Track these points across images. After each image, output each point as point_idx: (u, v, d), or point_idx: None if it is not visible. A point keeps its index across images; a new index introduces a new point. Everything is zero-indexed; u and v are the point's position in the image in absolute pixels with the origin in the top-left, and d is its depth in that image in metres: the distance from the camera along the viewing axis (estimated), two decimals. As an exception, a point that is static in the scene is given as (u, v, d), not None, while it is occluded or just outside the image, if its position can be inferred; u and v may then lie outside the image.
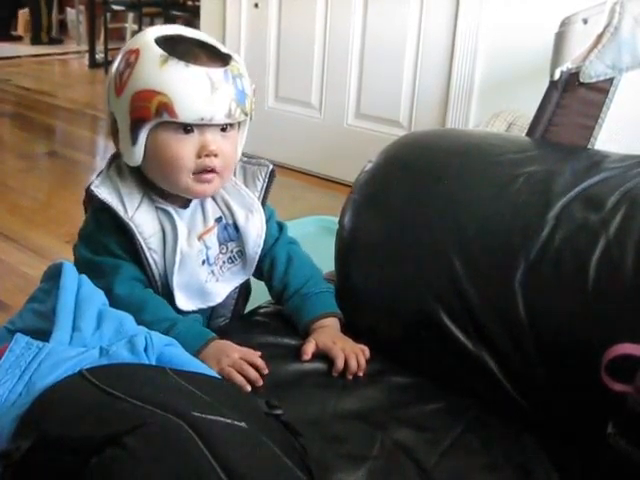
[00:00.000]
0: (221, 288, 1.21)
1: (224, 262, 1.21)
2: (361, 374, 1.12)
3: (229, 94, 1.08)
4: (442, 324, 1.13)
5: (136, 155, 1.11)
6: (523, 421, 1.06)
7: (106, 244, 1.14)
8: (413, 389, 1.12)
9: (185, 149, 1.09)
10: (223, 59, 1.10)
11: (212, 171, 1.12)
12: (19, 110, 4.93)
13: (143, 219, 1.14)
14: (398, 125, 3.20)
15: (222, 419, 0.71)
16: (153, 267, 1.15)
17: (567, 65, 1.36)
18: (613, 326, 1.02)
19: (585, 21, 1.34)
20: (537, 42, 2.43)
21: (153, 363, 0.91)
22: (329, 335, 1.16)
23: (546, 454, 1.00)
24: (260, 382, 1.05)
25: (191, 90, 1.05)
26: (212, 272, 1.19)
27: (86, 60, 6.43)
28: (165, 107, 1.05)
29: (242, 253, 1.22)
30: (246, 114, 1.12)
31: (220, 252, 1.20)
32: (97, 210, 1.16)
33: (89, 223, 1.18)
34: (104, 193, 1.12)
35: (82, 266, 1.08)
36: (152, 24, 6.21)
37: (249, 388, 1.03)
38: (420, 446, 0.99)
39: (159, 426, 0.67)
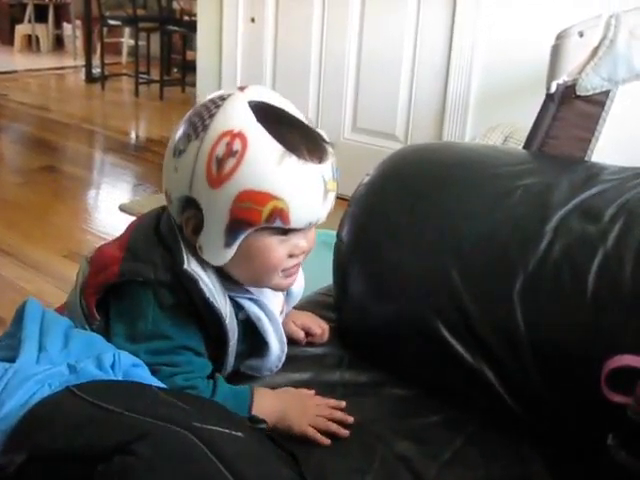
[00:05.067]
0: None
1: None
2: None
3: (335, 193, 0.99)
4: (441, 337, 1.13)
5: (226, 256, 0.98)
6: (523, 434, 1.06)
7: (185, 346, 1.01)
8: (413, 401, 1.12)
9: (282, 252, 0.99)
10: (325, 147, 0.99)
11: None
12: (15, 125, 4.94)
13: (232, 326, 1.03)
14: (394, 139, 3.21)
15: (221, 429, 0.71)
16: (228, 367, 1.08)
17: (563, 78, 1.37)
18: (612, 338, 1.02)
19: (581, 34, 1.35)
20: (532, 56, 2.45)
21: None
22: (301, 315, 1.24)
23: (546, 467, 1.00)
24: (345, 434, 1.01)
25: (308, 195, 0.95)
26: None
27: (83, 75, 6.45)
28: (280, 214, 0.93)
29: None
30: None
31: None
32: (172, 306, 1.00)
33: (159, 319, 1.00)
34: (211, 297, 0.99)
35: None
36: (148, 39, 6.24)
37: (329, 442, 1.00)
38: (420, 459, 0.99)
39: (165, 435, 0.67)
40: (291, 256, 1.00)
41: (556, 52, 1.38)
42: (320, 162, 0.96)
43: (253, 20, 3.58)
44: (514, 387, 1.09)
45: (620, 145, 1.45)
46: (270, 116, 0.95)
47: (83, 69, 6.47)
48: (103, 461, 0.65)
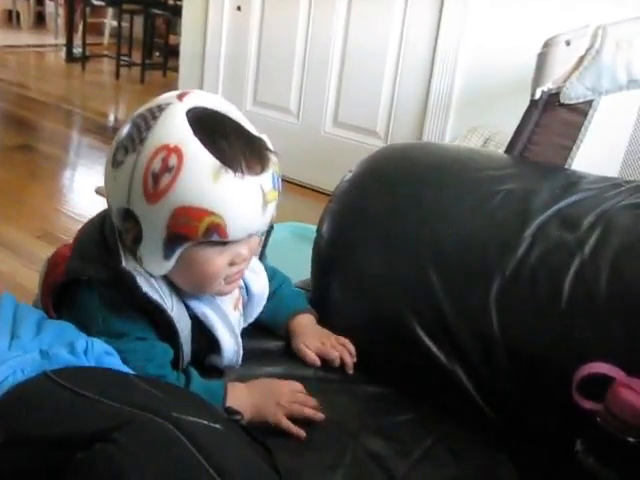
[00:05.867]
0: None
1: None
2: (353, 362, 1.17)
3: (275, 203, 0.98)
4: (416, 336, 1.14)
5: (165, 268, 0.98)
6: (494, 435, 1.07)
7: (142, 337, 1.01)
8: (385, 399, 1.13)
9: (222, 262, 0.99)
10: (266, 156, 0.98)
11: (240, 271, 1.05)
12: (-8, 101, 4.88)
13: (181, 318, 1.04)
14: (375, 135, 3.22)
15: (200, 420, 0.72)
16: (185, 359, 1.06)
17: (548, 85, 1.39)
18: (585, 345, 1.03)
19: (568, 43, 1.36)
20: (516, 60, 2.47)
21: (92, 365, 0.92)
22: (315, 336, 1.19)
23: (515, 468, 1.01)
24: (321, 418, 1.03)
25: (245, 209, 0.94)
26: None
27: (63, 53, 6.38)
28: (217, 229, 0.93)
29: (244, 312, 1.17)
30: None
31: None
32: (118, 304, 1.00)
33: (109, 318, 0.99)
34: (150, 292, 0.99)
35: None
36: (132, 21, 6.18)
37: (304, 434, 1.00)
38: (391, 456, 1.00)
39: (145, 424, 0.68)
40: (232, 264, 1.01)
41: (542, 59, 1.39)
42: (260, 172, 0.95)
43: (239, 8, 3.56)
44: (486, 389, 1.10)
45: (600, 155, 1.47)
46: (208, 128, 0.94)
47: (64, 48, 6.39)
48: (81, 448, 0.66)
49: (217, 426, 0.73)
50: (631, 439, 0.90)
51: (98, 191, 3.23)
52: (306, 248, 1.34)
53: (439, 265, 1.15)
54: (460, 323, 1.12)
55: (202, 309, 1.06)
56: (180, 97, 0.96)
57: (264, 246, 1.16)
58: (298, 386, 1.07)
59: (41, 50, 6.82)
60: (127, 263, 0.98)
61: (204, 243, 0.96)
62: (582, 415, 0.95)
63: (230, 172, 0.92)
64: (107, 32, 7.17)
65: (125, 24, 6.18)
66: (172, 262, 0.97)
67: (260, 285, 1.17)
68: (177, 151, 0.91)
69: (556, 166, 1.36)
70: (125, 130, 0.97)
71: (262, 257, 1.18)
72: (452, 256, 1.16)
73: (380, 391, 1.14)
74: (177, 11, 4.87)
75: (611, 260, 1.08)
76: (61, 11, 7.40)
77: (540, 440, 1.04)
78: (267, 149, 0.98)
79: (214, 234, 0.93)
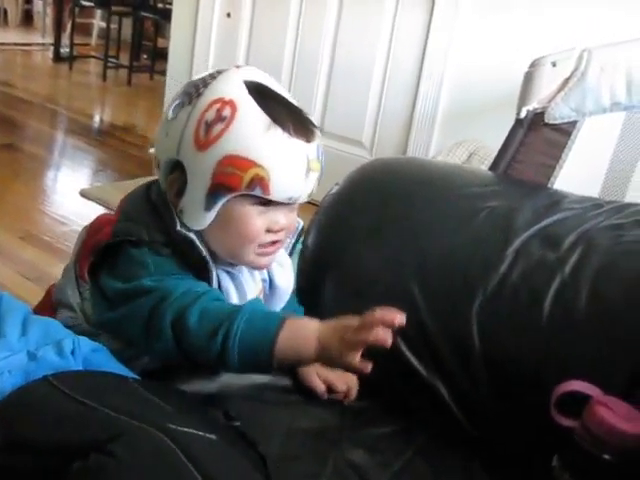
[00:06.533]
0: None
1: None
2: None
3: (318, 174, 1.01)
4: (398, 349, 1.15)
5: (205, 220, 1.00)
6: (472, 449, 1.09)
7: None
8: (366, 412, 1.14)
9: (259, 224, 1.01)
10: (312, 130, 1.02)
11: (275, 243, 1.05)
12: (-23, 99, 4.86)
13: (216, 285, 1.05)
14: (361, 146, 3.24)
15: (195, 432, 0.73)
16: None
17: (533, 105, 1.41)
18: (563, 363, 1.05)
19: (554, 64, 1.39)
20: (500, 76, 2.50)
21: (80, 366, 0.92)
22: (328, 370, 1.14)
23: (493, 484, 1.03)
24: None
25: (289, 168, 0.97)
26: None
27: (50, 53, 6.36)
28: (260, 182, 0.96)
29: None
30: None
31: None
32: (170, 255, 1.01)
33: (160, 263, 1.00)
34: (210, 262, 1.01)
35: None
36: (120, 23, 6.18)
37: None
38: (371, 467, 1.01)
39: (142, 436, 0.69)
40: (269, 231, 1.02)
41: (528, 79, 1.42)
42: (306, 141, 0.99)
43: (229, 15, 3.58)
44: (466, 403, 1.12)
45: (582, 174, 1.50)
46: (261, 92, 0.99)
47: (51, 47, 6.37)
48: (78, 457, 0.66)
49: (212, 437, 0.74)
50: (607, 456, 0.92)
51: (82, 194, 3.23)
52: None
53: (422, 279, 1.17)
54: (441, 337, 1.13)
55: (227, 284, 1.07)
56: (237, 67, 1.03)
57: (295, 243, 1.17)
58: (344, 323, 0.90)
59: (28, 49, 6.78)
60: (182, 226, 1.01)
61: (246, 199, 0.98)
62: (559, 431, 0.97)
63: (279, 129, 0.96)
64: (95, 33, 7.14)
65: (114, 26, 6.17)
66: (212, 214, 1.00)
67: (285, 279, 1.16)
68: (231, 104, 0.96)
69: (539, 185, 1.38)
70: (182, 90, 1.02)
71: (292, 253, 1.17)
72: (435, 271, 1.18)
73: (361, 404, 1.15)
74: (166, 15, 4.87)
75: (591, 279, 1.10)
76: (49, 10, 7.37)
77: (518, 455, 1.06)
78: (313, 125, 1.03)
79: (257, 187, 0.96)
